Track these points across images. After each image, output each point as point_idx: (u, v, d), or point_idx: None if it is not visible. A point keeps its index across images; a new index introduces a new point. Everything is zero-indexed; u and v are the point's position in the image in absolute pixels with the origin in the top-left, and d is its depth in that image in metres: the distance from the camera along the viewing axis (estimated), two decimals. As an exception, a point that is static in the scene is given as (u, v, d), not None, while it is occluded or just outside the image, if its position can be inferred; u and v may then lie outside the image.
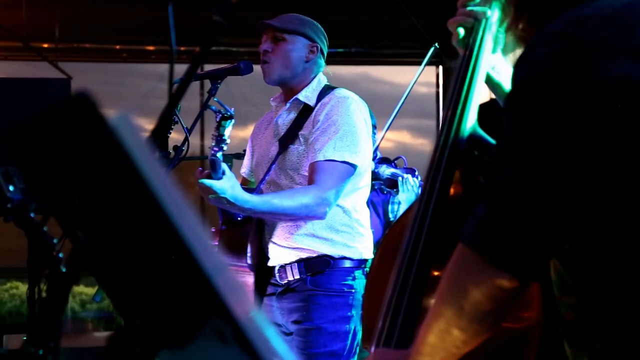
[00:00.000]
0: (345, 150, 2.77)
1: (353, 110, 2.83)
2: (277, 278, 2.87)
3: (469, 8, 1.53)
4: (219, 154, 2.62)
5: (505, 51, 1.48)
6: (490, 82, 1.63)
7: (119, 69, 9.45)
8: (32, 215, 1.27)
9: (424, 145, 10.23)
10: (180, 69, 1.38)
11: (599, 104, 1.10)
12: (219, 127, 2.64)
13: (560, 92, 1.11)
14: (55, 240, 1.26)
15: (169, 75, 1.33)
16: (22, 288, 8.17)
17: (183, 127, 2.69)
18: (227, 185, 2.61)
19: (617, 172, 1.12)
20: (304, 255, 2.85)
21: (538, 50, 1.16)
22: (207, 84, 2.91)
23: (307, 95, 2.90)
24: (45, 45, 8.10)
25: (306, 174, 2.82)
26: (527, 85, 1.16)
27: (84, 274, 1.01)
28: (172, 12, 1.11)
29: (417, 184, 4.14)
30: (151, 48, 8.67)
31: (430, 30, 7.88)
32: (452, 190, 1.40)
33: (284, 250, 2.86)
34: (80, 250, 0.95)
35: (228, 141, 2.67)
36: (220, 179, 2.60)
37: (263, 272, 2.91)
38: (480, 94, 1.51)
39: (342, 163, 2.77)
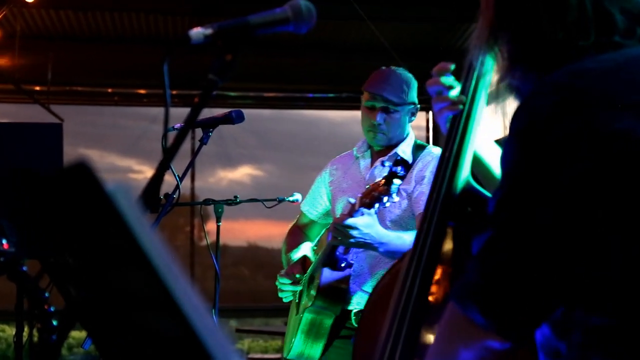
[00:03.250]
0: None
1: None
2: (353, 321, 2.89)
3: (450, 96, 1.49)
4: (383, 203, 2.51)
5: (496, 99, 1.41)
6: (479, 164, 1.56)
7: (111, 112, 9.49)
8: (24, 268, 1.27)
9: (414, 188, 10.24)
10: (173, 112, 1.38)
11: (597, 155, 1.07)
12: (390, 183, 2.52)
13: (558, 139, 1.09)
14: (47, 295, 1.26)
15: (164, 123, 1.34)
16: (9, 331, 8.09)
17: (174, 174, 2.69)
18: (371, 220, 2.61)
19: (618, 234, 1.09)
20: None
21: (539, 100, 1.14)
22: (198, 129, 2.92)
23: (404, 150, 3.04)
24: (38, 88, 8.13)
25: (406, 227, 2.84)
26: (525, 132, 1.13)
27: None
28: (167, 70, 1.13)
29: None
30: (142, 91, 8.72)
31: (420, 76, 7.95)
32: (444, 247, 1.37)
33: None
34: (72, 305, 0.96)
35: (395, 200, 2.56)
36: None
37: (340, 314, 2.91)
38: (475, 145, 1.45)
39: None
